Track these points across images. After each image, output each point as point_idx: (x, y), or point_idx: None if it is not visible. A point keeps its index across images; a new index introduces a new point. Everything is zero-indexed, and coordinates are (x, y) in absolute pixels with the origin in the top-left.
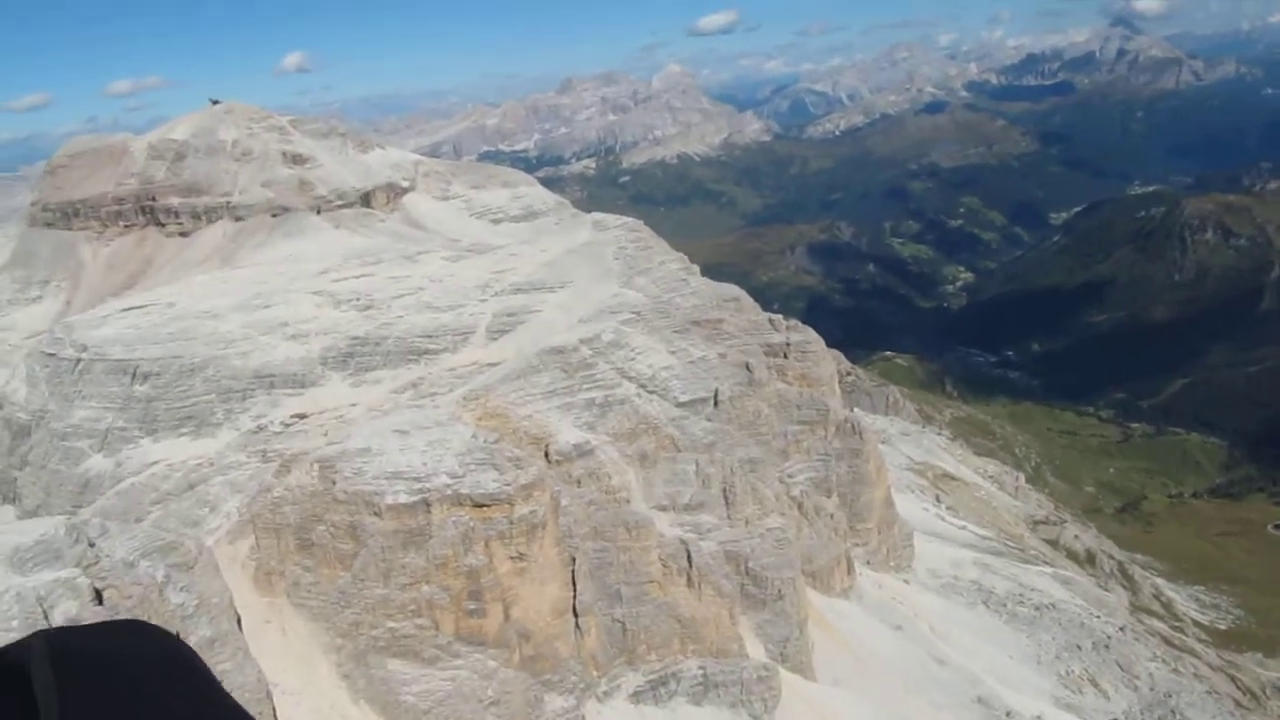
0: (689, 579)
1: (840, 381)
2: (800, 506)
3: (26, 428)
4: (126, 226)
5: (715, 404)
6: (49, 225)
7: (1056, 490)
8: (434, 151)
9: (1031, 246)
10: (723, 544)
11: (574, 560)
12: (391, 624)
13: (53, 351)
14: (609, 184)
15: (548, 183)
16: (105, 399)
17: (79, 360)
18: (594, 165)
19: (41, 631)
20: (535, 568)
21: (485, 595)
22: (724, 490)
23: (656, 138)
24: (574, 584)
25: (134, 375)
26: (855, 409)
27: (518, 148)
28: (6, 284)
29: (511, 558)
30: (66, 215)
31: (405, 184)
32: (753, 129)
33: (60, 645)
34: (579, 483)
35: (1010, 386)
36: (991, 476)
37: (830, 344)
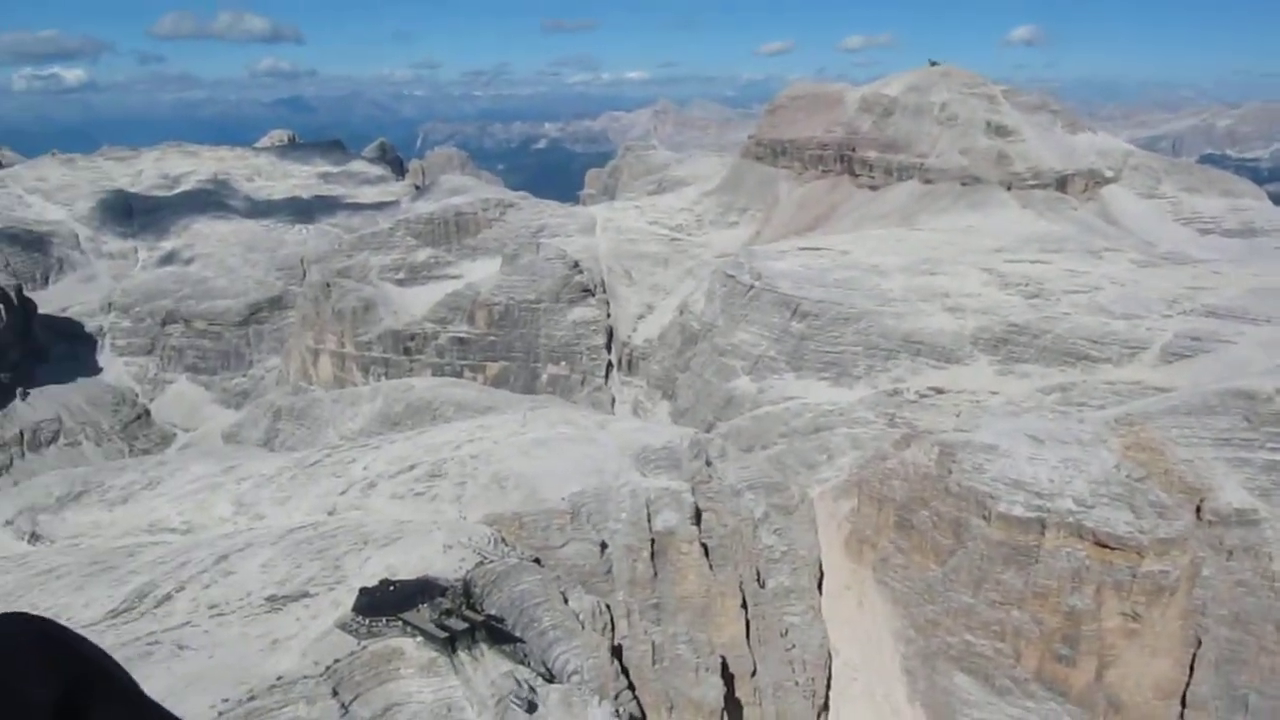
0: None
1: None
2: None
3: (695, 336)
4: (823, 172)
5: None
6: (758, 159)
7: None
8: (1149, 146)
9: None
10: None
11: (1199, 643)
12: (970, 637)
13: (733, 274)
14: None
15: (1277, 200)
16: (765, 327)
17: (751, 287)
18: None
19: None
20: (1150, 635)
21: (1081, 644)
22: None
23: None
24: (1191, 669)
25: (795, 312)
26: None
27: (1248, 155)
28: (712, 206)
29: (1124, 614)
30: (774, 153)
31: (1109, 174)
32: None
33: None
34: (1230, 554)
35: None
36: None
37: None
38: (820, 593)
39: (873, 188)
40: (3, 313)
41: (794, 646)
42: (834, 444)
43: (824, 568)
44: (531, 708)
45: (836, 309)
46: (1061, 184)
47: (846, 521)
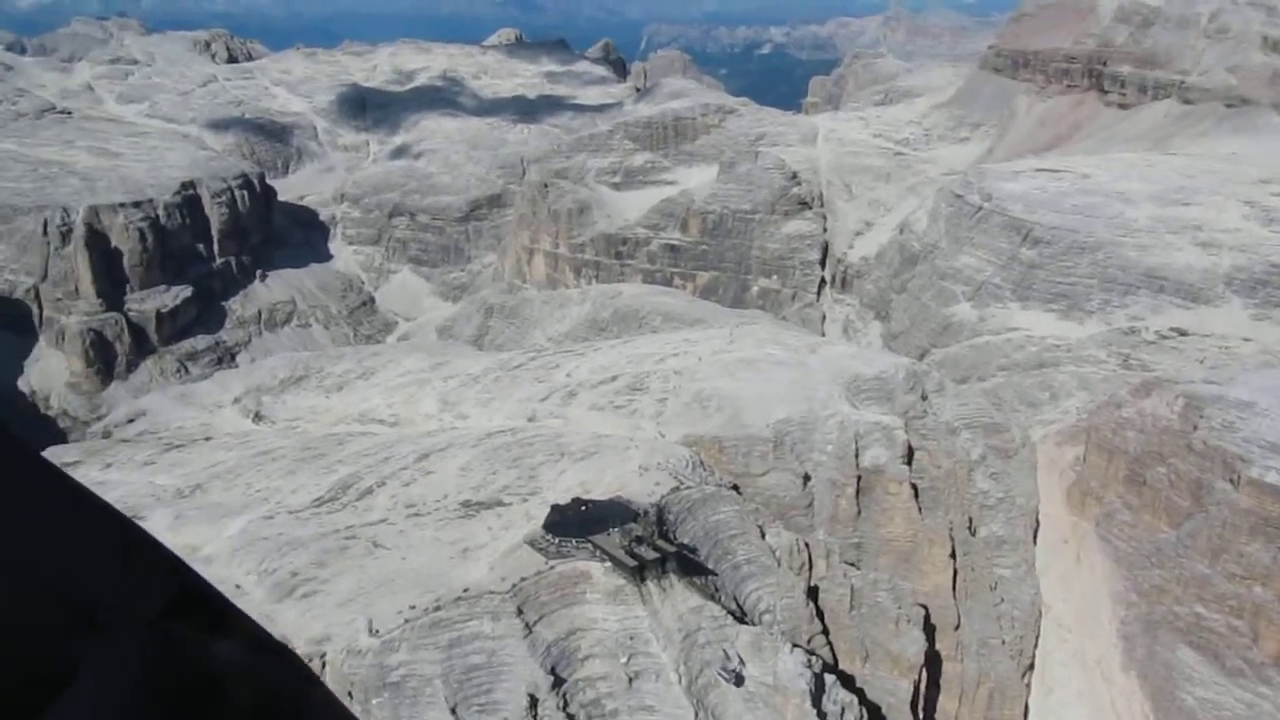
0: None
1: None
2: None
3: (915, 257)
4: (1069, 86)
5: None
6: (996, 71)
7: None
8: None
9: None
10: None
11: None
12: (1201, 609)
13: (960, 194)
14: None
15: None
16: (991, 252)
17: (980, 208)
18: None
19: None
20: None
21: None
22: None
23: None
24: None
25: (1025, 237)
26: None
27: None
28: (942, 119)
29: None
30: (1015, 64)
31: None
32: None
33: None
34: None
35: None
36: None
37: None
38: (1035, 544)
39: (1123, 106)
40: (247, 198)
41: (1003, 601)
42: (1059, 382)
43: (1041, 518)
44: (739, 680)
45: (1072, 236)
46: None
47: (1070, 470)
